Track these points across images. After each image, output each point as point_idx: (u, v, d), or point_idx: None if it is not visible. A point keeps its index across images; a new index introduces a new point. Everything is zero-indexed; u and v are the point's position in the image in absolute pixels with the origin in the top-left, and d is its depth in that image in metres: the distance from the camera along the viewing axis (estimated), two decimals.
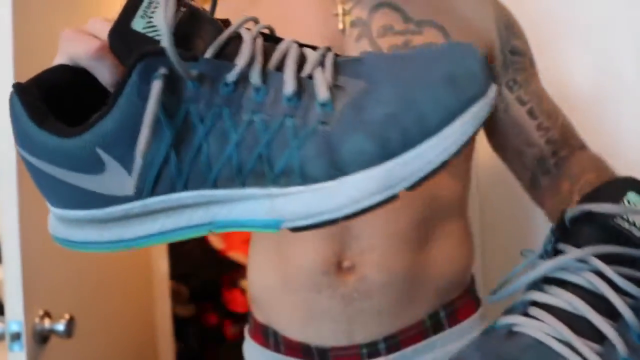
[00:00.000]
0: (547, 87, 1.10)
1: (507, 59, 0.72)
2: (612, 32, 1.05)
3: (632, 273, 0.38)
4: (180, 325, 2.14)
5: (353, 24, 0.66)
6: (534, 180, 0.74)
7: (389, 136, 0.32)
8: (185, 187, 0.35)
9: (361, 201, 0.33)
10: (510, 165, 0.77)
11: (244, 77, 0.34)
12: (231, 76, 0.33)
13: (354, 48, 0.66)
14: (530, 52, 0.76)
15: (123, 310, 1.64)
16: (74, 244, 0.38)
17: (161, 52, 0.32)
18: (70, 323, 1.06)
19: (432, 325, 0.70)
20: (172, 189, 0.35)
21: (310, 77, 0.34)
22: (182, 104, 0.33)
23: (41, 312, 1.05)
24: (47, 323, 1.05)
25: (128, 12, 0.34)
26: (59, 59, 0.38)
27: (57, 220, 0.39)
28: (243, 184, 0.35)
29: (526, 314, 0.40)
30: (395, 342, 0.69)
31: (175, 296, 2.38)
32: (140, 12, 0.34)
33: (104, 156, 0.34)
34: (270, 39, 0.38)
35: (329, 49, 0.36)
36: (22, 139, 0.36)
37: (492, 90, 0.33)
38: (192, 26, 0.35)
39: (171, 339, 1.95)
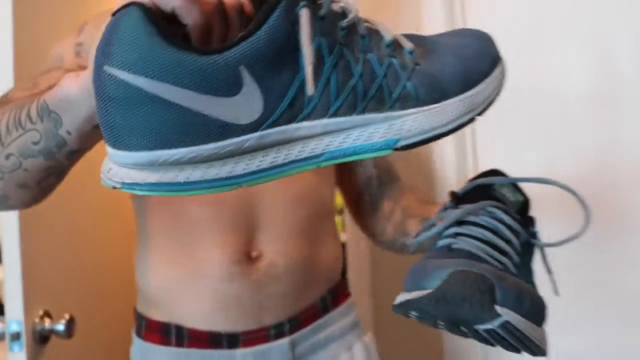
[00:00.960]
0: (545, 87, 1.10)
1: None
2: (612, 32, 1.05)
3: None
4: None
5: None
6: (359, 196, 0.89)
7: (468, 72, 0.44)
8: (308, 117, 0.39)
9: (459, 119, 0.43)
10: (342, 180, 0.92)
11: (353, 25, 0.41)
12: (345, 22, 0.40)
13: None
14: None
15: (123, 310, 1.63)
16: (171, 186, 0.37)
17: None
18: (71, 323, 1.06)
19: (322, 307, 0.83)
20: (293, 119, 0.39)
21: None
22: (316, 35, 0.38)
23: (41, 312, 1.05)
24: (47, 323, 1.05)
25: None
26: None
27: (142, 167, 0.37)
28: (363, 111, 0.41)
29: (455, 238, 0.57)
30: (297, 322, 0.79)
31: None
32: None
33: (245, 75, 0.36)
34: None
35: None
36: (137, 58, 0.34)
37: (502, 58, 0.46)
38: None
39: None
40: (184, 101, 0.35)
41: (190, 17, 0.39)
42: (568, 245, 0.58)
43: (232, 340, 0.75)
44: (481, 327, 0.49)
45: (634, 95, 1.02)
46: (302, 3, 0.37)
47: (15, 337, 0.99)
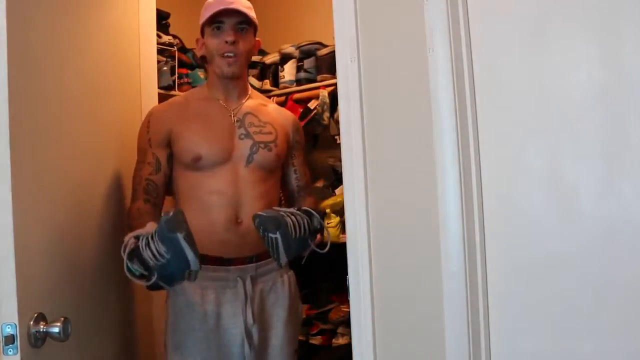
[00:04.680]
0: (552, 84, 1.08)
1: (293, 144, 1.77)
2: (619, 28, 1.04)
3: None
4: None
5: (237, 120, 1.68)
6: (290, 198, 1.82)
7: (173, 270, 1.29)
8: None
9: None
10: (283, 190, 1.82)
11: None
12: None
13: (238, 131, 1.66)
14: (303, 141, 1.84)
15: (119, 313, 1.63)
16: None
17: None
18: (66, 326, 1.05)
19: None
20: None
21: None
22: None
23: (36, 315, 1.03)
24: (42, 326, 1.03)
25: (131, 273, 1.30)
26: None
27: None
28: None
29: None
30: (259, 257, 1.63)
31: None
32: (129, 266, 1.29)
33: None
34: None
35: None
36: None
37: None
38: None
39: None
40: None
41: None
42: None
43: (228, 262, 1.59)
44: (271, 235, 1.43)
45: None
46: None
47: (10, 340, 0.98)
